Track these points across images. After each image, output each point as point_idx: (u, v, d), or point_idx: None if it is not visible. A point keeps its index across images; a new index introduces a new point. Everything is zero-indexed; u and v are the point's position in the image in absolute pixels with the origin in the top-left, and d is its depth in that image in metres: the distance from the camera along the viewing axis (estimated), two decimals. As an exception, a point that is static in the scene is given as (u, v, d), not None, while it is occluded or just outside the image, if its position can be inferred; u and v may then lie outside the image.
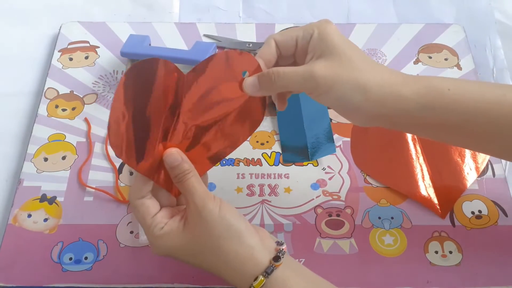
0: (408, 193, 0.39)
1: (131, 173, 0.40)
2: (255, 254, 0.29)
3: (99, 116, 0.44)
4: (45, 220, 0.38)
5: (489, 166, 0.40)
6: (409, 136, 0.41)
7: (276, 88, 0.30)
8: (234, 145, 0.33)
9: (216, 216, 0.29)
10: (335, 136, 0.42)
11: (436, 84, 0.30)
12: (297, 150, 0.41)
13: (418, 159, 0.40)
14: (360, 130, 0.42)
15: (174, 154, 0.31)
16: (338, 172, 0.40)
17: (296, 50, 0.31)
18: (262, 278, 0.28)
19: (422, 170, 0.39)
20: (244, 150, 0.42)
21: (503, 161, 0.41)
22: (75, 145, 0.42)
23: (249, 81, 0.31)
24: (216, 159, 0.33)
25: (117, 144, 0.30)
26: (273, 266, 0.29)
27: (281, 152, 0.41)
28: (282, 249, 0.30)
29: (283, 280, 0.29)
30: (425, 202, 0.38)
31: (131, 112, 0.30)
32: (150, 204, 0.31)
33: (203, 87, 0.32)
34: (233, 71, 0.31)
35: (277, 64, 0.32)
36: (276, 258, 0.29)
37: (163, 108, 0.31)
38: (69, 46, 0.48)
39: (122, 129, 0.30)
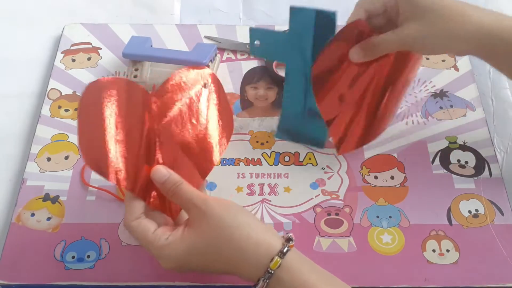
0: None
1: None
2: (267, 236, 0.30)
3: (101, 116, 0.44)
4: (48, 219, 0.38)
5: (486, 165, 0.41)
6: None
7: (377, 54, 0.35)
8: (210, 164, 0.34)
9: (220, 209, 0.30)
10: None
11: None
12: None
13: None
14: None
15: (161, 170, 0.31)
16: (337, 172, 0.41)
17: (387, 12, 0.35)
18: (278, 259, 0.29)
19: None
20: (244, 150, 0.42)
21: (500, 161, 0.42)
22: (77, 145, 0.42)
23: (354, 50, 0.35)
24: (204, 173, 0.34)
25: (97, 168, 0.30)
26: (287, 246, 0.29)
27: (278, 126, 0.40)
28: (291, 235, 0.30)
29: (296, 262, 0.29)
30: None
31: (103, 134, 0.30)
32: (147, 223, 0.31)
33: (171, 105, 0.33)
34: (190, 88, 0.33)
35: (370, 23, 0.36)
36: (288, 240, 0.30)
37: (138, 127, 0.31)
38: (71, 48, 0.49)
39: (98, 152, 0.30)
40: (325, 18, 0.35)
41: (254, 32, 0.37)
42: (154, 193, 0.32)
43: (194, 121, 0.34)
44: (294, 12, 0.35)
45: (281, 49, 0.37)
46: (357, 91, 0.37)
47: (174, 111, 0.33)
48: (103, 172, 0.31)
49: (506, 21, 0.34)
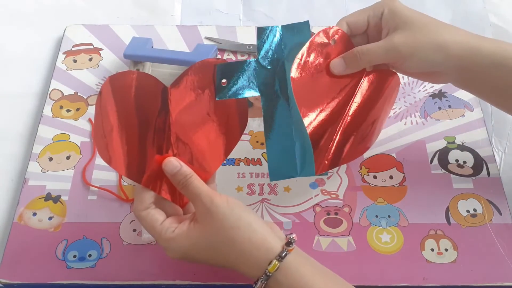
0: None
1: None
2: (268, 240, 0.30)
3: (103, 117, 0.44)
4: (50, 218, 0.38)
5: (484, 165, 0.41)
6: None
7: (361, 64, 0.34)
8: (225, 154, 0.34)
9: (225, 209, 0.30)
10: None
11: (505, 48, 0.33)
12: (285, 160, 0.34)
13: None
14: None
15: (173, 162, 0.32)
16: (336, 172, 0.41)
17: (369, 28, 0.35)
18: (276, 262, 0.29)
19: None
20: (244, 150, 0.42)
21: (498, 160, 0.42)
22: (79, 145, 0.43)
23: (336, 61, 0.34)
24: (215, 166, 0.34)
25: (108, 157, 0.31)
26: (286, 250, 0.30)
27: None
28: (293, 237, 0.30)
29: (295, 265, 0.30)
30: None
31: (116, 125, 0.31)
32: (156, 213, 0.32)
33: (185, 98, 0.33)
34: (206, 80, 0.33)
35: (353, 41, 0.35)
36: (288, 243, 0.30)
37: (151, 119, 0.32)
38: (73, 48, 0.49)
39: (111, 142, 0.31)
40: (293, 29, 0.33)
41: (219, 68, 0.33)
42: (164, 183, 0.32)
43: (208, 114, 0.34)
44: (259, 30, 0.34)
45: (251, 79, 0.33)
46: (336, 109, 0.35)
47: (190, 103, 0.33)
48: (109, 161, 0.32)
49: (487, 43, 0.33)
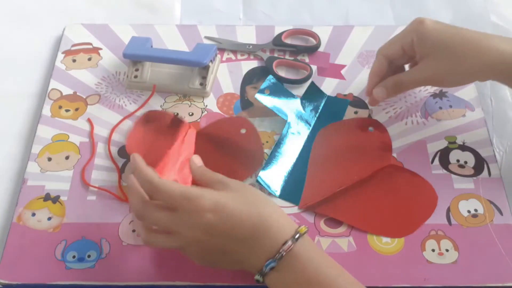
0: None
1: (133, 173, 0.41)
2: (287, 222, 0.32)
3: (102, 116, 0.44)
4: (49, 218, 0.38)
5: (485, 165, 0.41)
6: None
7: (399, 91, 0.40)
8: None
9: (243, 185, 0.33)
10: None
11: None
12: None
13: None
14: None
15: (194, 159, 0.35)
16: (337, 172, 0.41)
17: (405, 52, 0.38)
18: (305, 227, 0.31)
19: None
20: (245, 150, 0.42)
21: (499, 160, 0.42)
22: (78, 145, 0.42)
23: (378, 89, 0.39)
24: None
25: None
26: (299, 234, 0.31)
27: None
28: (304, 228, 0.31)
29: (308, 248, 0.31)
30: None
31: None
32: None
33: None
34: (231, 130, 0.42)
35: (392, 66, 0.39)
36: (301, 232, 0.31)
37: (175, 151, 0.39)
38: (72, 48, 0.49)
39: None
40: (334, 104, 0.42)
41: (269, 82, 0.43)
42: None
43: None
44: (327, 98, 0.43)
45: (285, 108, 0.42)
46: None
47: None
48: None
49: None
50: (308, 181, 0.39)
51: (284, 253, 0.30)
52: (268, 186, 0.39)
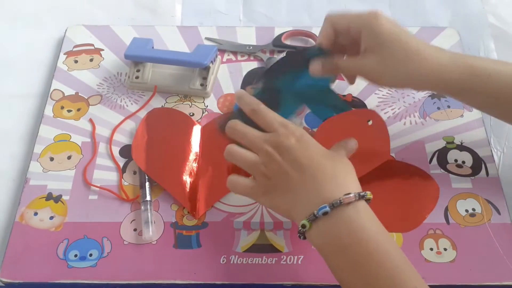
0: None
1: (134, 172, 0.41)
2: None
3: (104, 116, 0.45)
4: (51, 218, 0.38)
5: (483, 165, 0.41)
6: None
7: (334, 73, 0.39)
8: None
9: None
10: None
11: (480, 64, 0.35)
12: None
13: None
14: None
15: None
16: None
17: (350, 35, 0.37)
18: (370, 194, 0.31)
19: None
20: (245, 150, 0.43)
21: (496, 160, 0.42)
22: (80, 145, 0.43)
23: (315, 63, 0.37)
24: None
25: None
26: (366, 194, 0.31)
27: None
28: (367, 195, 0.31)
29: (373, 215, 0.31)
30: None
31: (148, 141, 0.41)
32: None
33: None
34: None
35: (337, 40, 0.37)
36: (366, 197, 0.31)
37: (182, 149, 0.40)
38: (74, 49, 0.49)
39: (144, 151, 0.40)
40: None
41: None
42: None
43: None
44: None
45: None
46: None
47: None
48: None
49: (460, 62, 0.35)
50: None
51: (342, 202, 0.29)
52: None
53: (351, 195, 0.30)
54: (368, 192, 0.31)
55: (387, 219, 0.37)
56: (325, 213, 0.29)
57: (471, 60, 0.35)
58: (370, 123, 0.41)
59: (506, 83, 0.35)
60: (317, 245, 0.31)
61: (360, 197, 0.30)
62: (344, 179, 0.31)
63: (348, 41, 0.37)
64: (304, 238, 0.31)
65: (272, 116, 0.33)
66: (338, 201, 0.29)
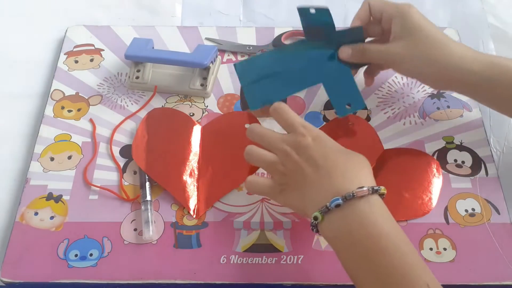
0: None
1: (135, 172, 0.41)
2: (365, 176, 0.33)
3: (104, 117, 0.45)
4: (52, 218, 0.39)
5: (482, 165, 0.42)
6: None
7: (363, 59, 0.40)
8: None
9: None
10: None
11: (501, 61, 0.36)
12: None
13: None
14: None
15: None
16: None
17: (382, 21, 0.39)
18: (384, 188, 0.31)
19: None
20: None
21: (496, 160, 0.42)
22: (80, 145, 0.43)
23: (344, 48, 0.40)
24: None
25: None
26: (379, 189, 0.31)
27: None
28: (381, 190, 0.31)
29: (386, 210, 0.31)
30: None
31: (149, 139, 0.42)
32: None
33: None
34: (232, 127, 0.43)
35: (369, 27, 0.40)
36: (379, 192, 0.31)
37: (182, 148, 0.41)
38: (74, 49, 0.49)
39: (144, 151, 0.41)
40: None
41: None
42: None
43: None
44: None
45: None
46: None
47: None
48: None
49: (483, 56, 0.37)
50: None
51: (355, 195, 0.29)
52: (240, 76, 0.40)
53: (364, 188, 0.30)
54: (382, 187, 0.31)
55: (403, 207, 0.38)
56: (338, 206, 0.30)
57: (493, 57, 0.38)
58: (351, 124, 0.42)
59: None
60: (329, 238, 0.31)
61: (374, 191, 0.30)
62: (358, 173, 0.32)
63: (379, 32, 0.40)
64: (317, 231, 0.31)
65: (292, 116, 0.34)
66: (351, 194, 0.29)
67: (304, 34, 0.41)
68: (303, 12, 0.39)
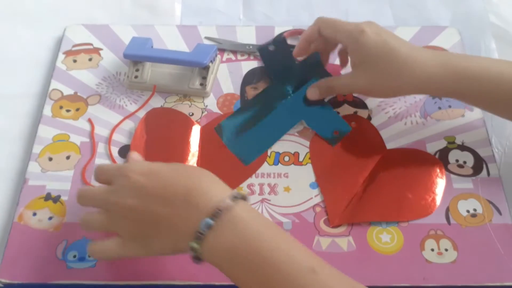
0: None
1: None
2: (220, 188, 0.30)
3: (103, 116, 0.44)
4: (50, 218, 0.38)
5: (484, 165, 0.41)
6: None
7: (331, 94, 0.43)
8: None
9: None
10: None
11: (466, 75, 0.36)
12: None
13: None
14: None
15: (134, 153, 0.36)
16: (336, 172, 0.41)
17: (336, 45, 0.41)
18: (244, 191, 0.30)
19: None
20: (245, 150, 0.42)
21: (497, 160, 0.42)
22: (79, 145, 0.43)
23: (312, 91, 0.41)
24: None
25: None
26: (239, 196, 0.29)
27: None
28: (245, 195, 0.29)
29: (254, 210, 0.30)
30: None
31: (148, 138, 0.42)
32: None
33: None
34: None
35: (321, 44, 0.41)
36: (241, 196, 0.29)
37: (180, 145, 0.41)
38: (73, 49, 0.49)
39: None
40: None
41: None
42: None
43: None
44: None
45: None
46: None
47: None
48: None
49: (449, 68, 0.36)
50: (326, 198, 0.39)
51: (223, 211, 0.27)
52: (222, 135, 0.42)
53: (227, 200, 0.28)
54: (241, 191, 0.30)
55: (405, 208, 0.38)
56: (210, 227, 0.27)
57: (463, 63, 0.36)
58: (353, 124, 0.42)
59: (496, 85, 0.35)
60: (216, 263, 0.28)
61: (236, 198, 0.28)
62: (210, 187, 0.29)
63: (332, 48, 0.41)
64: (200, 260, 0.28)
65: (108, 166, 0.33)
66: (218, 212, 0.27)
67: (267, 71, 0.45)
68: (263, 50, 0.45)
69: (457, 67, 0.36)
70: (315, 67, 0.43)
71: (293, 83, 0.43)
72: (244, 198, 0.30)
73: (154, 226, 0.29)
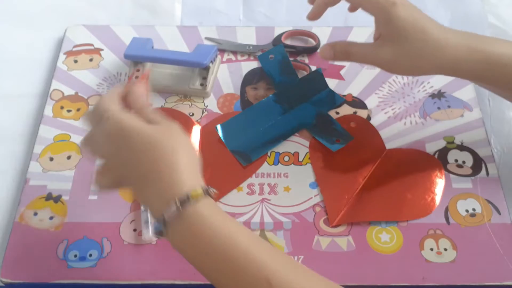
0: None
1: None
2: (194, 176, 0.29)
3: (103, 117, 0.45)
4: (51, 218, 0.38)
5: (483, 165, 0.41)
6: None
7: (346, 60, 0.39)
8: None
9: (174, 127, 0.31)
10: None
11: (495, 59, 0.34)
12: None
13: None
14: None
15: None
16: (336, 172, 0.41)
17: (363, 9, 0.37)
18: (209, 188, 0.28)
19: None
20: (245, 150, 0.43)
21: (496, 160, 0.42)
22: (79, 145, 0.43)
23: (327, 51, 0.38)
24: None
25: None
26: (209, 190, 0.28)
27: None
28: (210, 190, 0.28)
29: (216, 206, 0.28)
30: None
31: None
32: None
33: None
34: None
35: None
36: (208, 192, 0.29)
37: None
38: (74, 49, 0.49)
39: None
40: None
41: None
42: None
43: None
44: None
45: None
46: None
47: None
48: None
49: (478, 51, 0.34)
50: (326, 198, 0.39)
51: (191, 198, 0.27)
52: (223, 138, 0.42)
53: (199, 191, 0.27)
54: (210, 188, 0.28)
55: (404, 208, 0.38)
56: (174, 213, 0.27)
57: (489, 47, 0.34)
58: (352, 124, 0.42)
59: None
60: (179, 248, 0.28)
61: (207, 192, 0.28)
62: (182, 170, 0.28)
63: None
64: (162, 236, 0.28)
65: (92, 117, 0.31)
66: (187, 197, 0.27)
67: (268, 76, 0.45)
68: (263, 58, 0.45)
69: (486, 51, 0.34)
70: (317, 82, 0.44)
71: (294, 99, 0.44)
72: (208, 192, 0.29)
73: (135, 166, 0.29)
